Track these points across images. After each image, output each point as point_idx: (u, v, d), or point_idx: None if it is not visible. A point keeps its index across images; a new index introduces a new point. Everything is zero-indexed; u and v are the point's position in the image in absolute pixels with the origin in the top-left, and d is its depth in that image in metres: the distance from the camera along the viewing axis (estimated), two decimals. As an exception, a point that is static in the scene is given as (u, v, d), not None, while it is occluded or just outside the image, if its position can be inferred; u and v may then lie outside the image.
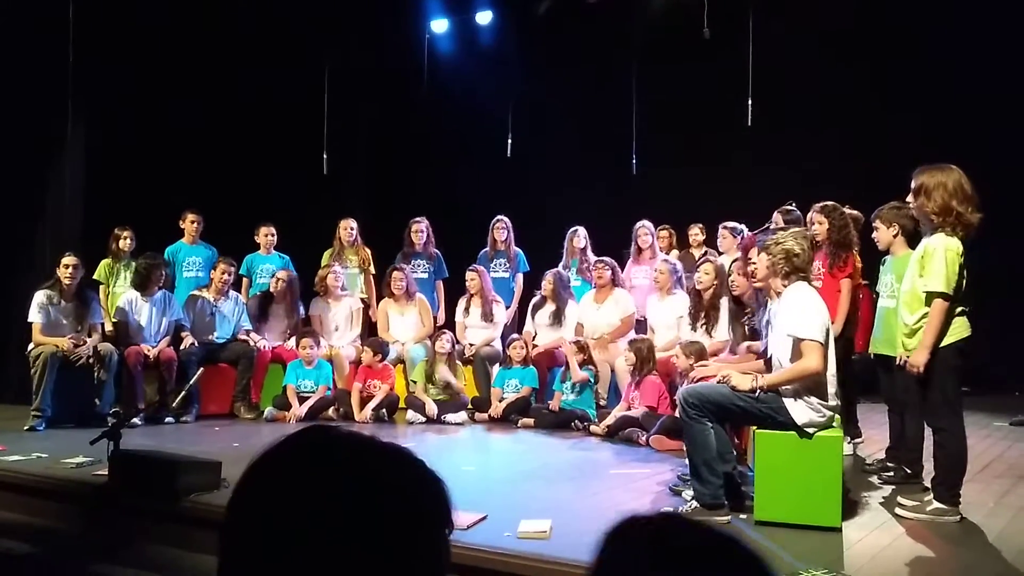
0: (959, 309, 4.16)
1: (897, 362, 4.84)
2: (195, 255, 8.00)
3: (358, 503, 0.88)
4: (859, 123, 8.66)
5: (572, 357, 7.07)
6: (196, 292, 7.63)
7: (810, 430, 4.09)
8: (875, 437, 6.10)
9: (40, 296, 6.85)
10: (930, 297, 4.10)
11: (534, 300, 7.97)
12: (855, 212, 5.86)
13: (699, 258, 8.01)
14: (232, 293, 7.72)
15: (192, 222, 7.99)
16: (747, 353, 5.38)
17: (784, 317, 4.17)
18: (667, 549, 0.87)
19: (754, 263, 4.57)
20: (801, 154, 8.64)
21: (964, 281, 4.15)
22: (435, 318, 8.22)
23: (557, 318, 7.70)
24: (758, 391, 4.09)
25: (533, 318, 7.89)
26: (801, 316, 4.08)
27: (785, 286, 4.25)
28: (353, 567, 0.86)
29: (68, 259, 6.87)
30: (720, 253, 7.59)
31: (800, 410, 4.09)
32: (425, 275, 8.39)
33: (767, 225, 6.78)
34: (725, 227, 7.49)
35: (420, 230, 8.40)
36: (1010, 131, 8.14)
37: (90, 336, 6.91)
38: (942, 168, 4.17)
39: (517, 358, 7.37)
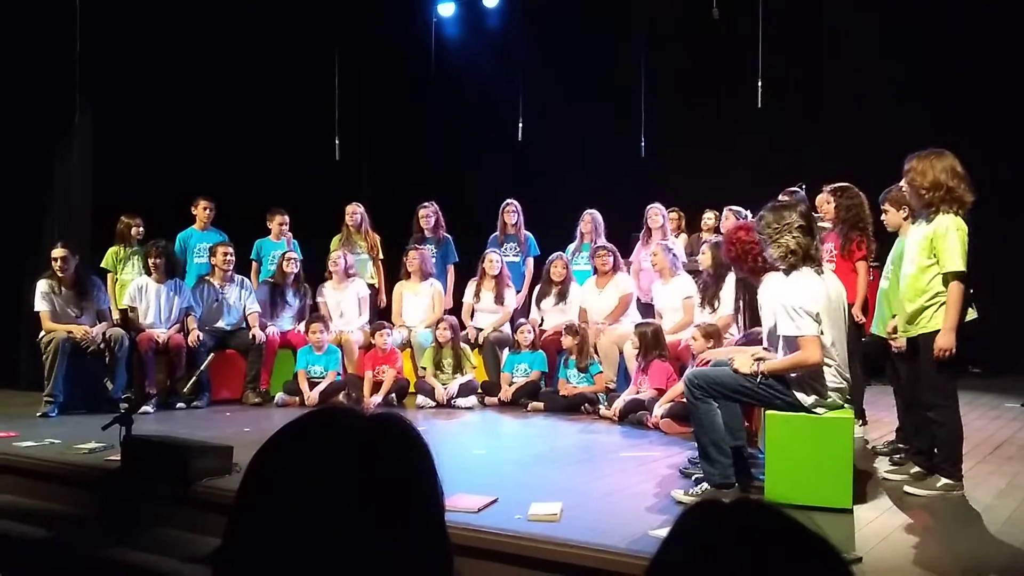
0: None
1: (893, 348, 4.82)
2: (206, 241, 7.98)
3: (357, 482, 0.91)
4: (869, 104, 8.60)
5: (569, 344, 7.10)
6: (203, 278, 7.63)
7: (818, 410, 4.08)
8: (884, 419, 6.09)
9: (42, 285, 6.88)
10: (947, 278, 4.12)
11: (539, 287, 7.95)
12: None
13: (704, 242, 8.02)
14: (238, 278, 7.70)
15: (204, 208, 8.00)
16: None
17: (778, 313, 4.07)
18: (743, 532, 0.86)
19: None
20: (811, 136, 8.58)
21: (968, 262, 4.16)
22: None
23: (563, 299, 7.71)
24: (759, 375, 4.09)
25: (539, 306, 7.88)
26: (790, 312, 3.98)
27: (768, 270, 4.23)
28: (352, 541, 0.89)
29: (57, 251, 6.87)
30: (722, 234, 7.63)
31: (804, 391, 4.08)
32: (432, 259, 8.31)
33: None
34: (730, 209, 7.56)
35: (427, 215, 8.36)
36: (1020, 112, 8.08)
37: (100, 322, 6.94)
38: (934, 151, 4.25)
39: (525, 343, 7.37)
